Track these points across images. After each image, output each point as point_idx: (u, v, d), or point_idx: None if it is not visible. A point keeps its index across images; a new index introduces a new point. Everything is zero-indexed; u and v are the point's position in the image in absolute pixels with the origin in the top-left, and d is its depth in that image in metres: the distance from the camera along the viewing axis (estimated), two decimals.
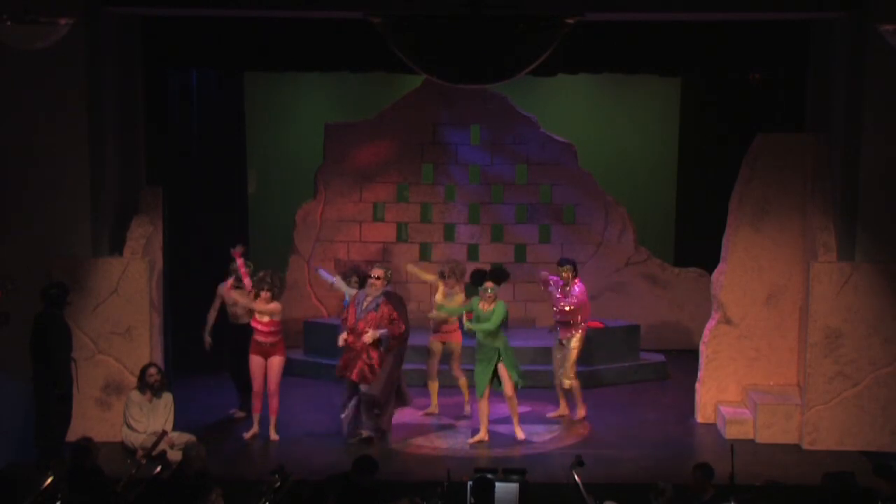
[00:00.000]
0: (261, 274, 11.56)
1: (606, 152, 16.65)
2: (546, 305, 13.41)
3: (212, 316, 12.32)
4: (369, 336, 10.98)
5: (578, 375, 12.20)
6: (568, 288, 11.99)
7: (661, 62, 12.59)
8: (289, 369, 14.14)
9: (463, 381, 12.24)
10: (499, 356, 11.18)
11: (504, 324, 11.25)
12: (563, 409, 12.26)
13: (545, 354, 12.77)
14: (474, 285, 11.40)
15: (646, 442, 11.52)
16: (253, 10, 11.55)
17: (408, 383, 12.65)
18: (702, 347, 12.20)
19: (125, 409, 10.90)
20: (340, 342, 11.30)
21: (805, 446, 11.26)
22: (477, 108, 15.46)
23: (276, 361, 11.57)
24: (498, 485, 8.06)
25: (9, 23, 8.12)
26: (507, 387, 11.22)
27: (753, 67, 12.97)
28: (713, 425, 11.98)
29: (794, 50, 12.21)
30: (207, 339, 12.26)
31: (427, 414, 12.28)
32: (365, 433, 11.22)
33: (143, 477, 8.83)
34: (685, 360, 13.74)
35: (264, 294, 11.42)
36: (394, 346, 11.14)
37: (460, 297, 12.10)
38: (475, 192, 15.66)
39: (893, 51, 8.70)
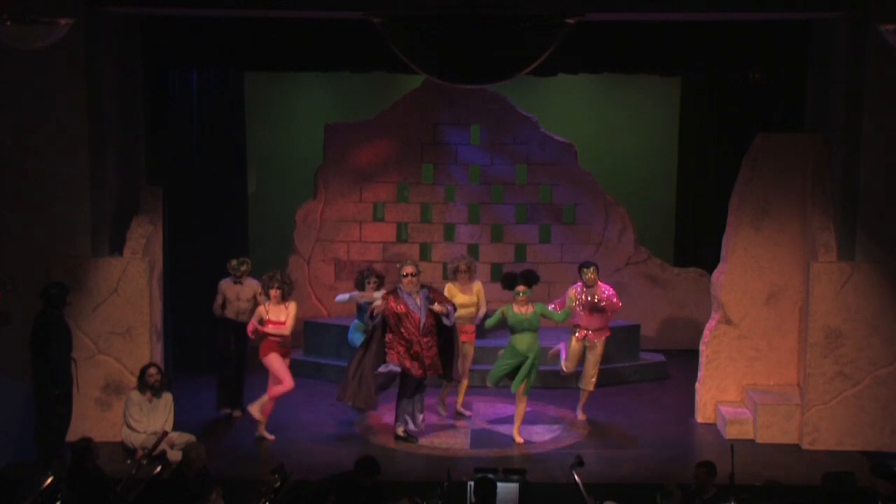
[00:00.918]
0: (269, 273, 11.58)
1: (606, 152, 16.65)
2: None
3: (219, 311, 12.30)
4: (438, 307, 11.17)
5: (579, 376, 12.21)
6: (594, 289, 11.99)
7: (661, 62, 12.59)
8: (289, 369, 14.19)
9: (465, 384, 12.23)
10: (528, 359, 11.22)
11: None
12: (580, 413, 12.27)
13: (545, 355, 12.75)
14: (506, 289, 11.42)
15: (646, 442, 11.53)
16: (253, 10, 11.55)
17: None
18: (702, 347, 12.20)
19: (125, 409, 10.90)
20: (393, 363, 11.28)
21: (805, 446, 11.26)
22: (477, 108, 15.46)
23: (288, 362, 11.60)
24: (498, 485, 8.06)
25: (9, 23, 8.12)
26: (522, 386, 11.27)
27: (753, 67, 12.97)
28: (713, 425, 11.98)
29: (794, 50, 12.22)
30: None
31: (458, 414, 12.26)
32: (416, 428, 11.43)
33: (143, 477, 8.84)
34: (685, 360, 13.74)
35: (274, 293, 11.41)
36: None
37: (478, 290, 12.21)
38: (475, 192, 15.66)
39: (893, 51, 8.70)
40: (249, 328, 11.43)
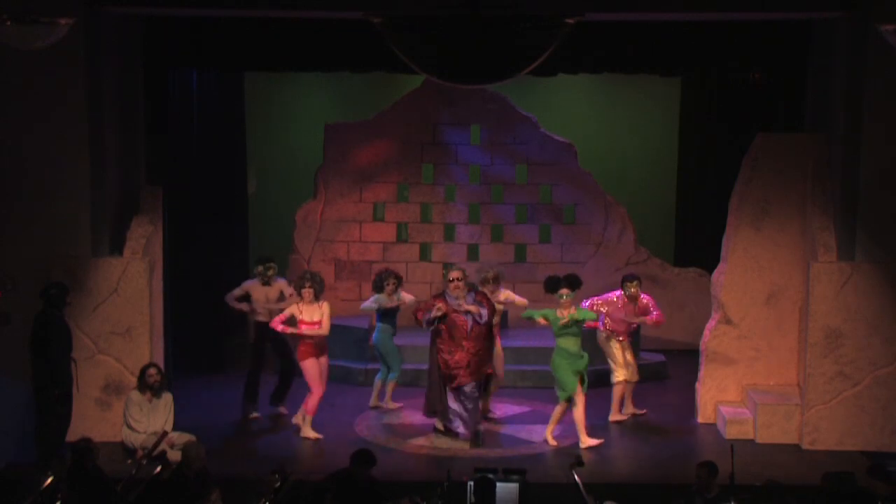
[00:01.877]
0: (300, 273, 11.67)
1: (606, 152, 16.66)
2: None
3: (236, 305, 12.38)
4: (466, 307, 11.24)
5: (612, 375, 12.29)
6: (637, 302, 12.04)
7: (661, 62, 12.58)
8: None
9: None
10: (585, 358, 11.30)
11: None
12: (629, 407, 12.32)
13: (546, 355, 12.73)
14: (549, 293, 11.43)
15: (646, 442, 11.53)
16: (253, 10, 11.55)
17: (414, 383, 12.70)
18: (702, 347, 12.20)
19: (125, 409, 10.90)
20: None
21: (805, 446, 11.26)
22: (477, 108, 15.46)
23: (326, 361, 11.64)
24: (498, 485, 8.06)
25: (9, 23, 8.12)
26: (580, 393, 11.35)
27: (753, 67, 12.96)
28: (713, 425, 11.98)
29: (794, 50, 12.21)
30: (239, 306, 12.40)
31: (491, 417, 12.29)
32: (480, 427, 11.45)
33: (143, 477, 8.83)
34: (685, 360, 13.73)
35: (306, 292, 11.43)
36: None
37: (507, 296, 12.24)
38: (475, 192, 15.66)
39: (893, 51, 8.69)
40: (277, 322, 11.47)
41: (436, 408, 11.47)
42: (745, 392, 11.99)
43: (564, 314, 11.19)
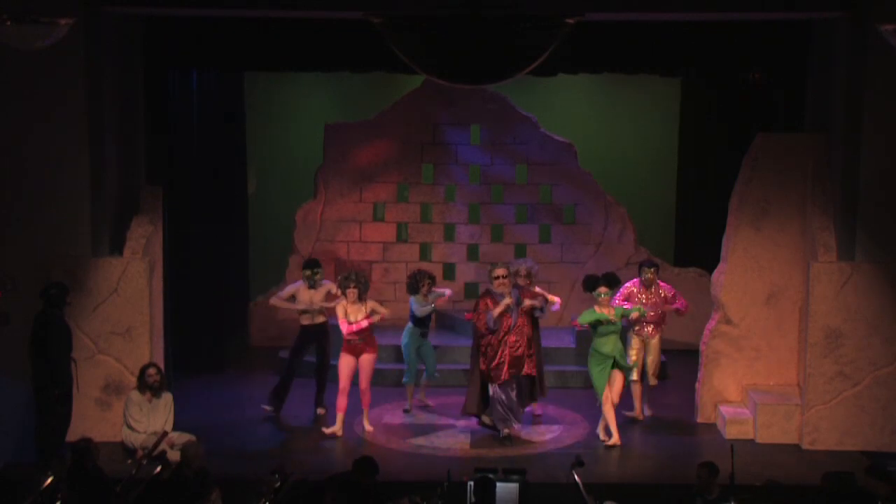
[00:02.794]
0: (344, 273, 11.76)
1: (606, 152, 16.65)
2: None
3: (286, 304, 12.49)
4: (528, 303, 11.30)
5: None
6: (652, 289, 12.06)
7: (661, 62, 12.58)
8: None
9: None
10: (613, 360, 11.34)
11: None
12: (638, 411, 12.23)
13: (547, 355, 12.75)
14: (587, 291, 11.47)
15: (646, 442, 11.53)
16: (253, 10, 11.55)
17: (414, 383, 12.66)
18: (702, 347, 12.20)
19: (125, 409, 10.90)
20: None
21: (805, 446, 11.26)
22: (477, 108, 15.46)
23: (370, 358, 11.66)
24: (498, 485, 8.06)
25: (9, 23, 8.12)
26: (617, 392, 11.40)
27: (753, 67, 12.95)
28: (713, 425, 11.98)
29: (794, 50, 12.21)
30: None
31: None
32: (516, 426, 11.48)
33: (143, 477, 8.83)
34: (685, 360, 13.73)
35: (351, 292, 11.48)
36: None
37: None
38: (475, 192, 15.66)
39: (893, 51, 8.69)
40: (345, 330, 11.55)
41: (472, 410, 11.50)
42: (745, 392, 11.99)
43: (604, 312, 11.31)
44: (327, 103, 16.67)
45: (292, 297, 12.40)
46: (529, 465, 9.12)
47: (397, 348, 12.83)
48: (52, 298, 10.43)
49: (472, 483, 8.03)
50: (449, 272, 15.42)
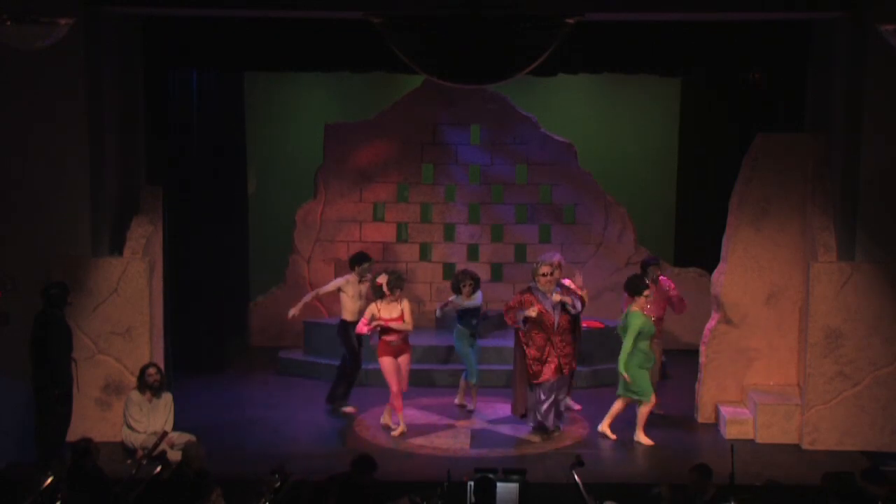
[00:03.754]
0: (395, 273, 11.78)
1: (606, 152, 16.64)
2: None
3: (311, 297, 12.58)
4: (558, 297, 11.28)
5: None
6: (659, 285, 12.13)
7: (661, 62, 12.58)
8: (289, 369, 14.22)
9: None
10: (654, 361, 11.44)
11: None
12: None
13: None
14: (635, 294, 11.44)
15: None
16: (253, 10, 11.55)
17: (414, 383, 12.68)
18: (702, 347, 12.20)
19: (125, 409, 10.90)
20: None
21: (805, 446, 11.26)
22: (477, 108, 15.45)
23: (409, 358, 11.73)
24: (498, 485, 8.06)
25: (9, 23, 8.12)
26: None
27: (753, 67, 12.95)
28: (713, 425, 11.98)
29: (794, 50, 12.21)
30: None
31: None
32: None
33: (143, 477, 8.83)
34: (685, 360, 13.73)
35: (386, 290, 11.54)
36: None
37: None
38: (475, 192, 15.66)
39: (893, 51, 8.69)
40: (361, 327, 11.59)
41: (522, 410, 11.51)
42: (745, 392, 11.99)
43: (647, 314, 11.37)
44: (327, 103, 16.67)
45: (337, 291, 12.42)
46: (529, 465, 9.12)
47: None
48: (53, 298, 10.43)
49: (472, 483, 8.03)
50: (449, 272, 15.41)
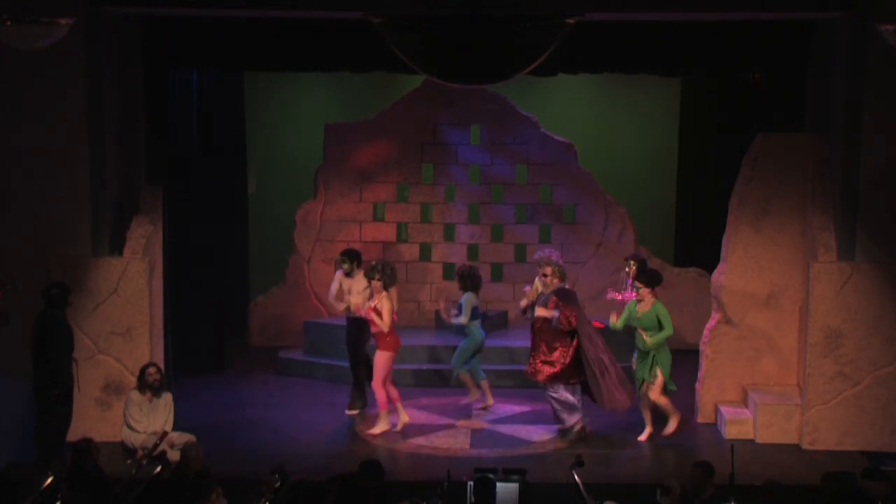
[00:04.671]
0: (372, 264, 11.71)
1: (606, 152, 16.65)
2: None
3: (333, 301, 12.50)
4: (545, 312, 11.32)
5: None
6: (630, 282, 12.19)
7: (661, 62, 12.59)
8: (289, 369, 14.22)
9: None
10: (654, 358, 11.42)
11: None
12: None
13: None
14: (654, 286, 11.50)
15: (646, 442, 11.52)
16: (253, 10, 11.55)
17: (414, 383, 12.69)
18: (702, 347, 12.20)
19: (125, 409, 10.90)
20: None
21: (805, 446, 11.26)
22: (477, 108, 15.46)
23: (380, 354, 11.73)
24: (498, 485, 8.06)
25: (9, 23, 8.12)
26: (656, 389, 11.41)
27: (753, 67, 12.96)
28: (713, 425, 11.98)
29: (794, 50, 12.21)
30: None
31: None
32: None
33: (143, 477, 8.83)
34: (685, 360, 13.72)
35: (375, 283, 11.50)
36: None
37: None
38: (475, 192, 15.66)
39: (893, 51, 8.69)
40: (366, 312, 11.57)
41: (608, 405, 11.41)
42: (745, 392, 11.99)
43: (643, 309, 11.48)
44: (327, 103, 16.67)
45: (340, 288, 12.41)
46: (529, 465, 9.11)
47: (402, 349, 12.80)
48: (54, 298, 10.43)
49: (472, 483, 8.03)
50: (449, 272, 15.41)
